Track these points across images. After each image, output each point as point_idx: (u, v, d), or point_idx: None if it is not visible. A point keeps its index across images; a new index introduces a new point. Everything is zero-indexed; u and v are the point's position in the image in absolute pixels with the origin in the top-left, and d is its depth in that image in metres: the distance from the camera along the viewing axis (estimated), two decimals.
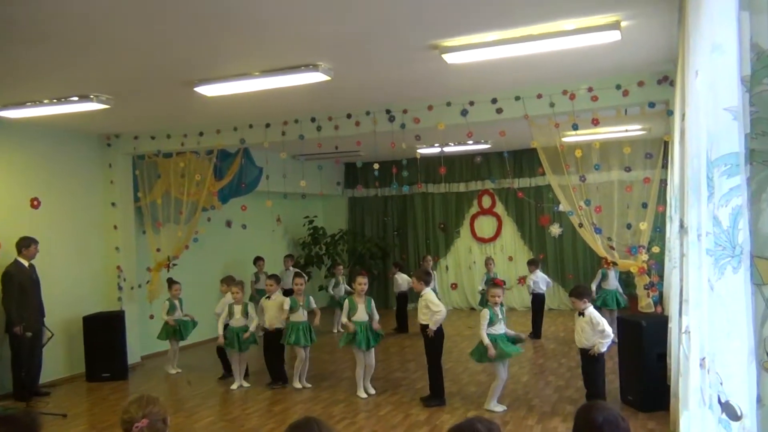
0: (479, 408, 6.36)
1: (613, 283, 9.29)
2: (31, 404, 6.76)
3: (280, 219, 12.81)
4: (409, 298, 11.08)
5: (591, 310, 6.18)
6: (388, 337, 9.57)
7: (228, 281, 8.07)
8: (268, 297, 7.71)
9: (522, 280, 12.17)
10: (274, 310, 7.57)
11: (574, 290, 6.42)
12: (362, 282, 7.08)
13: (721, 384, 1.72)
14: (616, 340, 6.57)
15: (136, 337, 8.96)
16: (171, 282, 8.59)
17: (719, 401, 1.73)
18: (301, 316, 7.45)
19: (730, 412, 1.65)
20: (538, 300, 10.02)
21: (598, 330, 6.05)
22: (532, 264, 10.25)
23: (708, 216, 1.93)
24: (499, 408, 6.31)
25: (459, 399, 6.83)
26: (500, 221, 13.32)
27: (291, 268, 10.83)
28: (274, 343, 7.58)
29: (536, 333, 9.88)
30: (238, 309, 7.62)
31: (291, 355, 7.95)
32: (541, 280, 10.03)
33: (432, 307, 6.53)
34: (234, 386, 7.58)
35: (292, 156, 10.78)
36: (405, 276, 10.98)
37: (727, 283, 1.68)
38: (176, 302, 8.47)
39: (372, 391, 7.09)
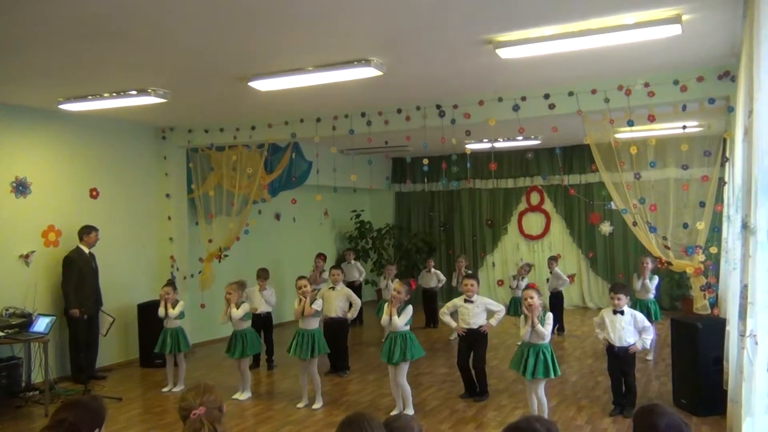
0: (526, 405, 6.29)
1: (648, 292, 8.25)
2: (88, 387, 7.01)
3: (328, 212, 12.93)
4: (438, 296, 11.10)
5: (629, 309, 6.16)
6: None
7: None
8: (332, 287, 7.82)
9: (572, 278, 11.96)
10: (339, 300, 7.67)
11: (621, 287, 6.30)
12: (398, 289, 6.15)
13: None
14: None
15: (188, 326, 9.16)
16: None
17: None
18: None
19: None
20: (559, 296, 10.18)
21: (644, 326, 6.05)
22: (553, 260, 10.24)
23: None
24: None
25: (506, 396, 6.79)
26: (549, 218, 13.12)
27: (353, 261, 10.96)
28: (336, 332, 7.68)
29: (562, 327, 10.16)
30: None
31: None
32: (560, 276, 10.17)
33: (493, 307, 6.68)
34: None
35: (341, 150, 10.84)
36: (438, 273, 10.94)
37: None
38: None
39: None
